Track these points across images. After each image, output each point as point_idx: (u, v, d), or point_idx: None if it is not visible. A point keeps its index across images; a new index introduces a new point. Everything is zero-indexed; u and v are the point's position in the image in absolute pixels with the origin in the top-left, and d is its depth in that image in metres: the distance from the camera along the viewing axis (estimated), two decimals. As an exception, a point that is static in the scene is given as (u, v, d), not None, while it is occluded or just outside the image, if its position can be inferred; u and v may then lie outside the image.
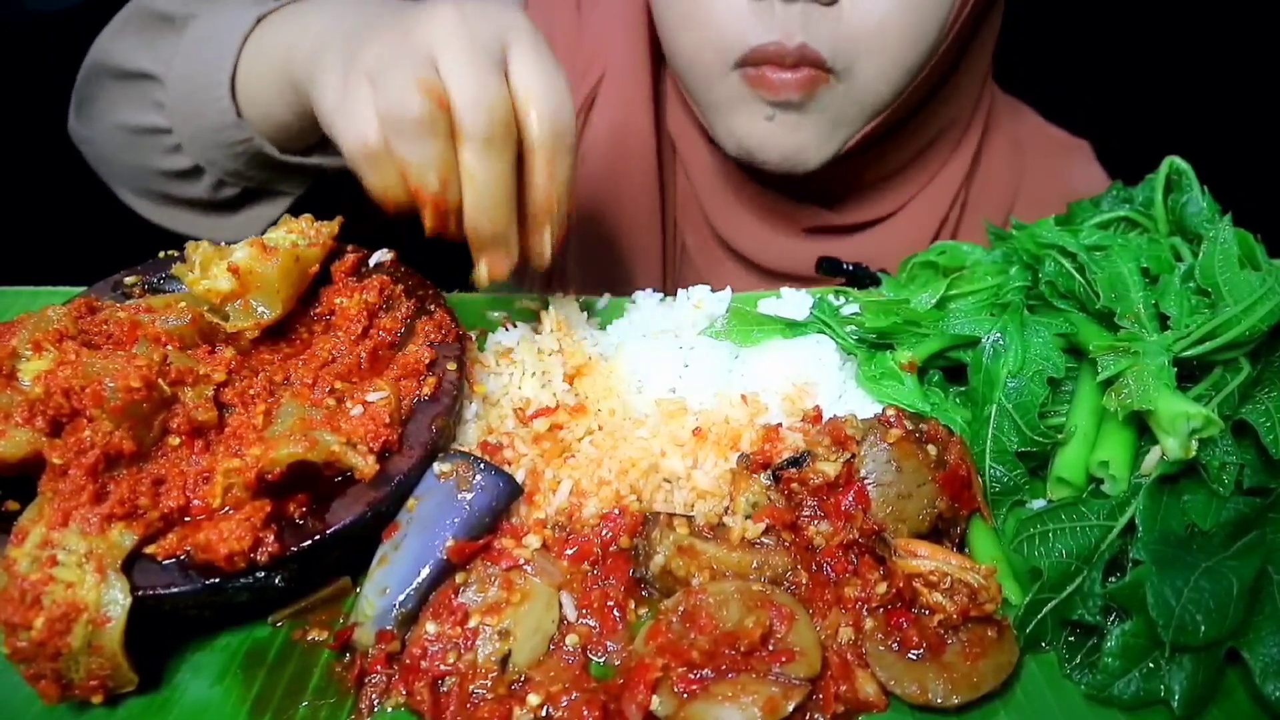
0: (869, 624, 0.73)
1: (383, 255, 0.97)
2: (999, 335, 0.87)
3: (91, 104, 1.19)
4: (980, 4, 1.16)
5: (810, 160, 1.17)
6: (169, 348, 0.79)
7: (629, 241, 1.36)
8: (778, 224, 1.33)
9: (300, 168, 1.13)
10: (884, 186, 1.31)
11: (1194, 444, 0.75)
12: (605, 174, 1.35)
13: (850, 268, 1.23)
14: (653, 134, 1.32)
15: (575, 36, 1.37)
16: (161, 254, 0.95)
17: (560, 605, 0.76)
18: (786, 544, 0.78)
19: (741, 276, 1.35)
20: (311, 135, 1.09)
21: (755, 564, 0.77)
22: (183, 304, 0.84)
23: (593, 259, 1.38)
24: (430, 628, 0.72)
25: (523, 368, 0.93)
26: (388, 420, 0.78)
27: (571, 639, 0.74)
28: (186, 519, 0.73)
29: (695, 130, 1.32)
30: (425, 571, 0.74)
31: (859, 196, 1.32)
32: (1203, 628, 0.69)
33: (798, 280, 1.30)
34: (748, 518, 0.80)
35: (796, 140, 1.15)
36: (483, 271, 0.84)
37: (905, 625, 0.73)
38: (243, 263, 0.85)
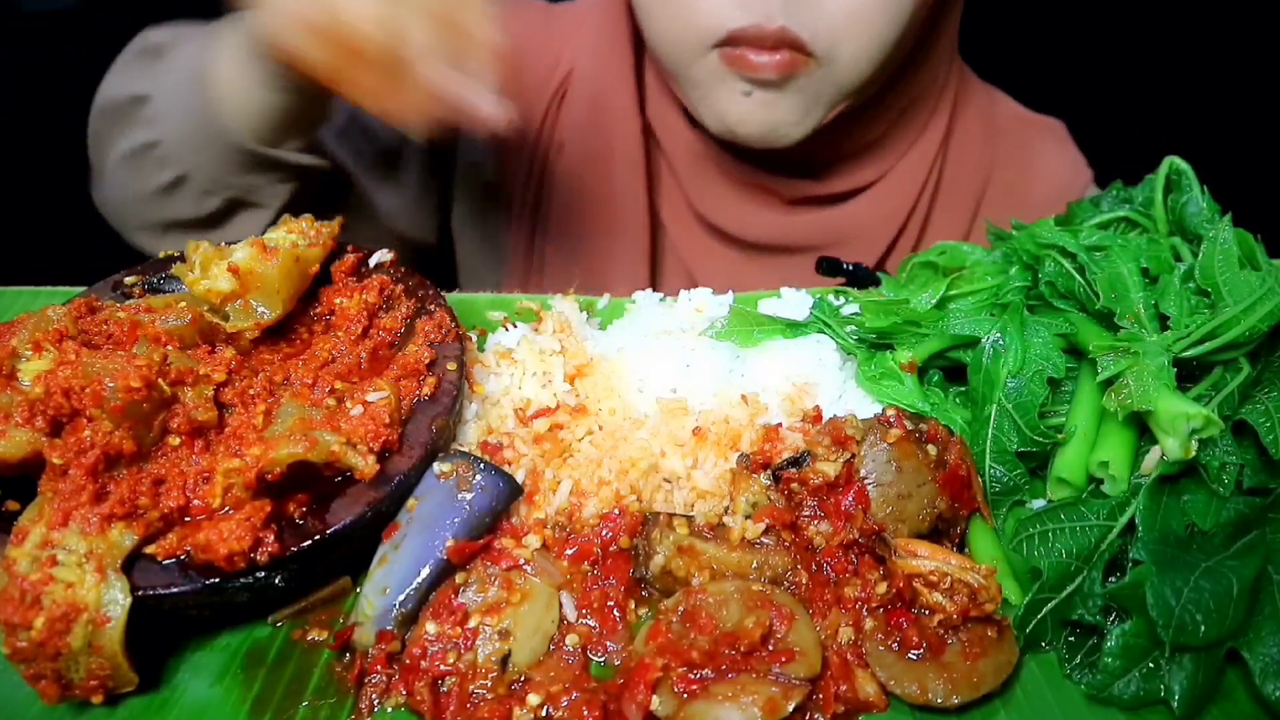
0: (869, 624, 0.73)
1: (383, 255, 0.97)
2: (999, 335, 0.87)
3: (99, 154, 1.21)
4: None
5: (790, 135, 1.20)
6: (169, 348, 0.79)
7: (610, 227, 1.38)
8: (759, 198, 1.35)
9: (276, 166, 1.14)
10: (863, 156, 1.34)
11: (1194, 444, 0.75)
12: (584, 163, 1.37)
13: (850, 268, 1.23)
14: (637, 117, 1.35)
15: (544, 33, 1.40)
16: (161, 254, 0.95)
17: (560, 605, 0.76)
18: (786, 544, 0.78)
19: (723, 254, 1.37)
20: (284, 121, 1.11)
21: (755, 564, 0.77)
22: (183, 304, 0.84)
23: (574, 247, 1.40)
24: (430, 628, 0.72)
25: (524, 368, 0.93)
26: (388, 420, 0.78)
27: (572, 639, 0.74)
28: (186, 519, 0.73)
29: (674, 112, 1.34)
30: (425, 571, 0.74)
31: (839, 167, 1.34)
32: (1203, 628, 0.69)
33: (780, 252, 1.34)
34: (748, 518, 0.80)
35: (774, 116, 1.18)
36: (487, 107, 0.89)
37: (905, 625, 0.73)
38: (243, 263, 0.85)
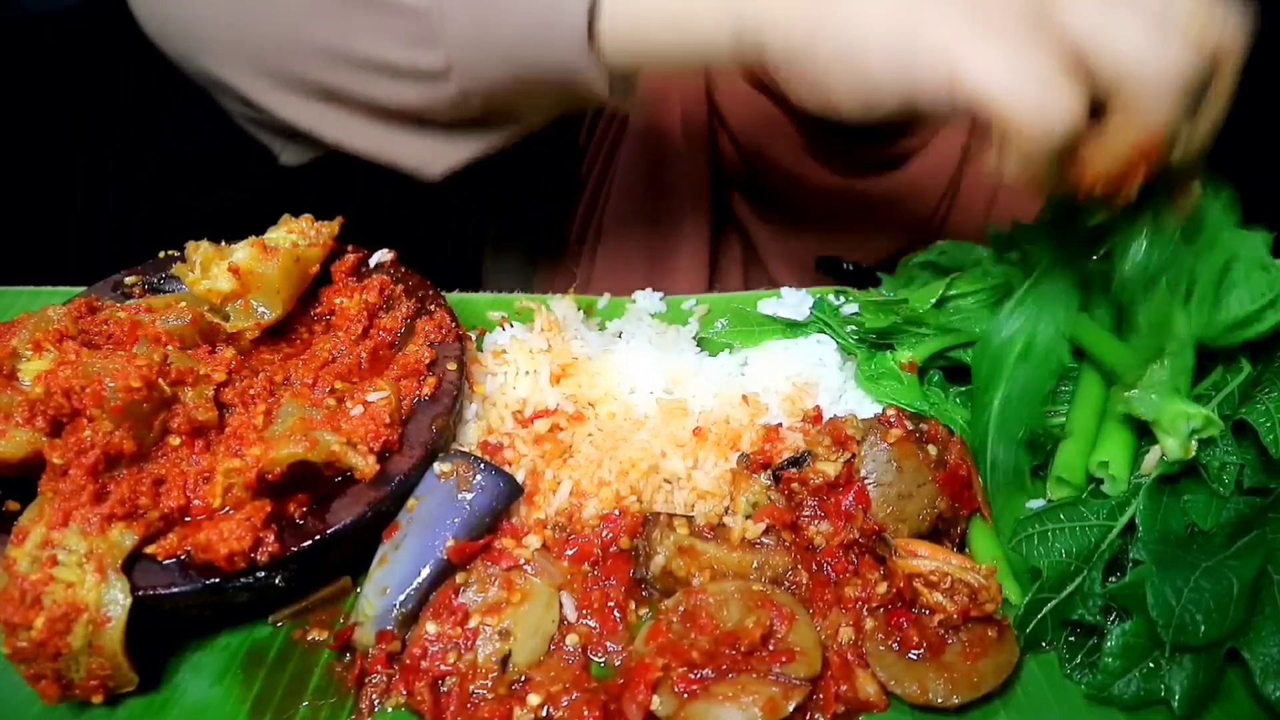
0: (869, 624, 0.73)
1: (383, 255, 0.97)
2: (1005, 327, 0.87)
3: None
4: None
5: None
6: (169, 348, 0.79)
7: (673, 191, 1.38)
8: (823, 165, 1.37)
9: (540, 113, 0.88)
10: (915, 124, 1.36)
11: (1194, 444, 0.75)
12: (648, 135, 1.37)
13: (850, 268, 1.23)
14: (703, 92, 1.35)
15: None
16: (162, 254, 0.95)
17: (560, 605, 0.76)
18: (787, 544, 0.78)
19: (777, 220, 1.39)
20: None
21: (755, 564, 0.76)
22: (183, 304, 0.84)
23: (633, 219, 1.39)
24: (430, 628, 0.72)
25: (515, 367, 0.93)
26: (388, 420, 0.78)
27: (572, 639, 0.74)
28: (187, 519, 0.73)
29: (744, 87, 1.34)
30: (425, 571, 0.74)
31: (894, 134, 1.36)
32: (1203, 628, 0.69)
33: (836, 215, 1.35)
34: (748, 518, 0.80)
35: None
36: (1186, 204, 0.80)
37: (905, 625, 0.73)
38: (243, 263, 0.85)
